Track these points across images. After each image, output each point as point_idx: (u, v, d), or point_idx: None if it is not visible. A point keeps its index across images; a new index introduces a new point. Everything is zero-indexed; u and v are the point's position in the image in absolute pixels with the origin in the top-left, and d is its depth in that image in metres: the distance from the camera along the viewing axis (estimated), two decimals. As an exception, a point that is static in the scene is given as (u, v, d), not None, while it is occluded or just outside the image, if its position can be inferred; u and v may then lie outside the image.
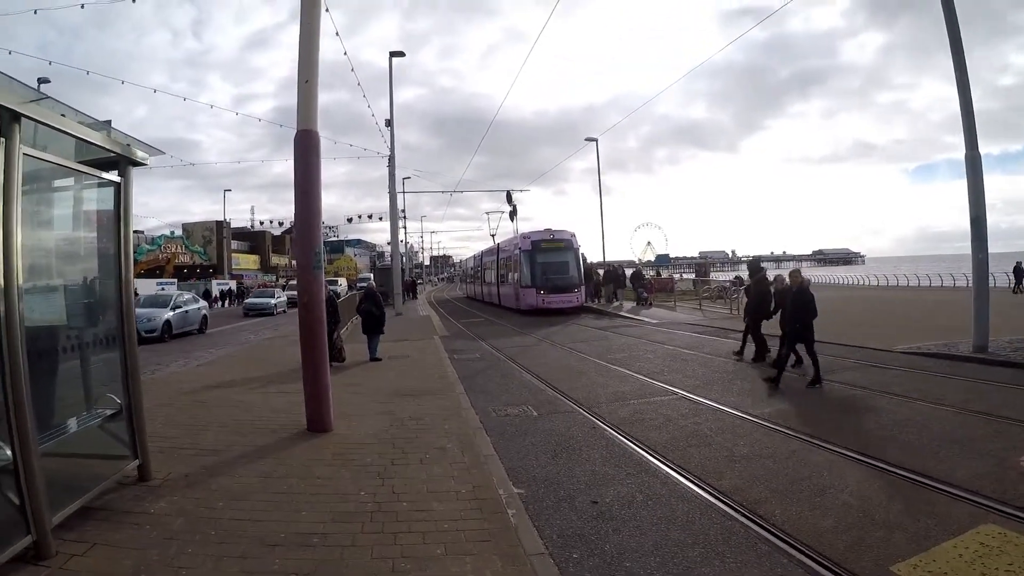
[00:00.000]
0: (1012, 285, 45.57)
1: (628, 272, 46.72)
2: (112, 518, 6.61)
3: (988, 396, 12.03)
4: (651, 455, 9.31)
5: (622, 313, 35.55)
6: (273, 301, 52.45)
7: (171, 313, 30.66)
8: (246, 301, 56.33)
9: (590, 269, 47.01)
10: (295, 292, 43.50)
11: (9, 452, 5.29)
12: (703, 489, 7.82)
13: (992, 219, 17.40)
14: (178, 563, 5.63)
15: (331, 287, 37.72)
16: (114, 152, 7.36)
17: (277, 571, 5.54)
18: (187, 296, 35.15)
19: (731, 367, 16.86)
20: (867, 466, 8.41)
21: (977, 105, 16.79)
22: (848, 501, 7.26)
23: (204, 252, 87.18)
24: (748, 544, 6.30)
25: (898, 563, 5.71)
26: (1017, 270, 45.31)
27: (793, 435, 10.03)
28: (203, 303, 36.75)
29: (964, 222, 16.75)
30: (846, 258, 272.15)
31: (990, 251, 16.85)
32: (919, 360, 16.37)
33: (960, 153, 16.77)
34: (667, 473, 8.53)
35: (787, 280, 15.53)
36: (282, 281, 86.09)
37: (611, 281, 44.26)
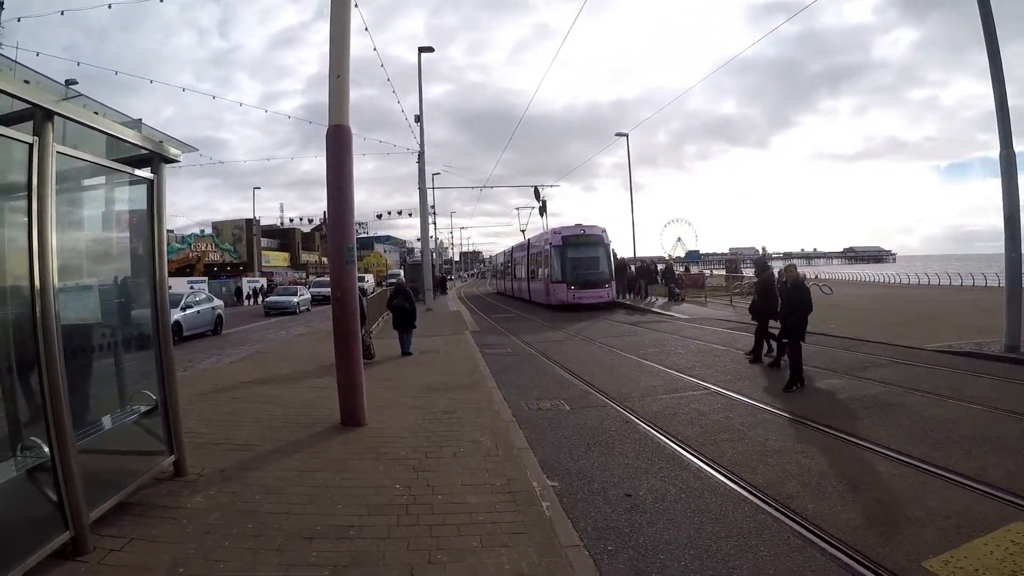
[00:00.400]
0: None
1: (659, 268, 46.64)
2: (149, 513, 6.68)
3: (1018, 396, 11.93)
4: (684, 449, 9.35)
5: (653, 309, 35.52)
6: (296, 299, 50.83)
7: (182, 314, 29.03)
8: (267, 300, 54.42)
9: (623, 264, 46.86)
10: (320, 289, 47.51)
11: (47, 449, 5.36)
12: (736, 483, 7.85)
13: None
14: (215, 556, 5.70)
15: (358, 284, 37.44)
16: (147, 149, 7.41)
17: (315, 563, 5.59)
18: (201, 295, 34.38)
19: (762, 363, 16.80)
20: (898, 463, 8.40)
21: (1012, 101, 16.66)
22: (880, 497, 7.27)
23: (234, 250, 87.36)
24: (781, 538, 6.33)
25: (930, 559, 5.73)
26: None
27: (825, 431, 10.02)
28: (218, 302, 35.47)
29: (996, 221, 16.55)
30: (877, 256, 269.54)
31: (1024, 251, 16.62)
32: (950, 359, 16.22)
33: (993, 151, 16.56)
34: (700, 467, 8.57)
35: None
36: (312, 278, 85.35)
37: (643, 277, 44.06)
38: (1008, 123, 16.41)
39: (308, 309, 51.44)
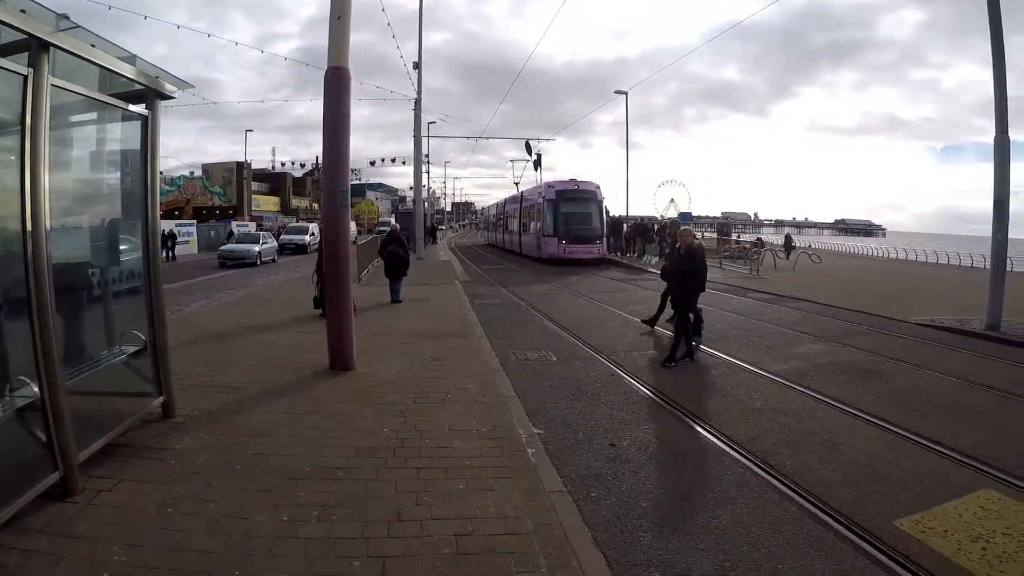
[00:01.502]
0: None
1: (655, 227, 46.60)
2: (138, 454, 6.71)
3: (995, 372, 12.16)
4: (667, 404, 9.52)
5: (644, 267, 35.58)
6: (256, 248, 41.65)
7: (261, 246, 32.00)
8: (221, 248, 43.53)
9: (619, 222, 46.81)
10: (292, 237, 46.19)
11: (36, 389, 5.35)
12: (717, 438, 8.03)
13: (1017, 206, 17.38)
14: (204, 496, 5.77)
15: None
16: (142, 84, 7.25)
17: (303, 503, 5.68)
18: (268, 236, 35.89)
19: (747, 324, 17.04)
20: (875, 426, 8.59)
21: (1012, 90, 16.86)
22: (856, 458, 7.45)
23: (224, 193, 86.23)
24: (759, 491, 6.51)
25: (901, 518, 5.92)
26: None
27: (806, 392, 10.20)
28: (274, 241, 38.02)
29: (987, 205, 16.79)
30: (867, 230, 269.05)
31: (1016, 237, 16.85)
32: (932, 332, 16.49)
33: (988, 137, 16.75)
34: (683, 421, 8.76)
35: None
36: (293, 222, 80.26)
37: (640, 235, 43.81)
38: (1005, 109, 16.60)
39: (273, 260, 44.17)
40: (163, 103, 7.72)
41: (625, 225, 47.66)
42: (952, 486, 6.65)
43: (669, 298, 13.82)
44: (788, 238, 54.41)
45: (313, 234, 51.29)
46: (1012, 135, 16.83)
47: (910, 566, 5.07)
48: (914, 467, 7.18)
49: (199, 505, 5.59)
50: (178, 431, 7.45)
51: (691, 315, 12.77)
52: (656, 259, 38.91)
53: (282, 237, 54.20)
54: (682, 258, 12.46)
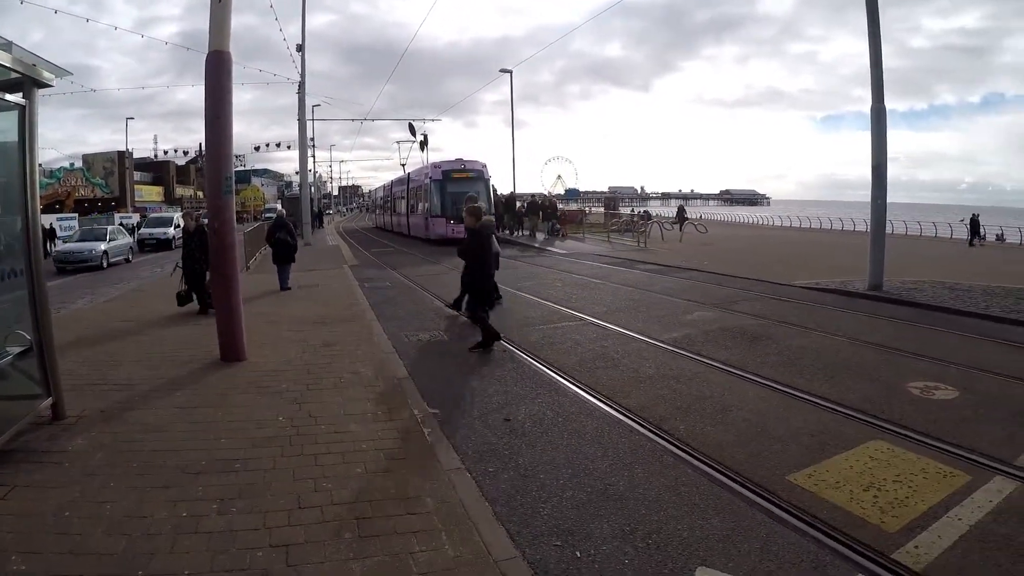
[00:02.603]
0: (968, 238, 44.70)
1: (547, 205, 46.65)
2: (30, 459, 6.49)
3: (879, 329, 12.76)
4: (560, 376, 9.64)
5: (533, 244, 35.97)
6: (102, 246, 33.55)
7: (107, 244, 28.44)
8: (56, 250, 34.72)
9: (512, 200, 46.81)
10: (154, 230, 40.95)
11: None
12: (611, 407, 8.16)
13: (894, 171, 18.27)
14: (101, 498, 5.62)
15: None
16: (19, 72, 6.97)
17: (201, 498, 5.60)
18: (121, 233, 33.24)
19: (637, 295, 17.37)
20: (765, 387, 8.89)
21: (888, 62, 17.66)
22: (747, 418, 7.68)
23: (106, 184, 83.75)
24: (654, 456, 6.67)
25: (794, 473, 6.14)
26: (973, 223, 44.61)
27: (696, 358, 10.47)
28: (129, 238, 34.36)
29: (866, 171, 17.63)
30: (752, 199, 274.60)
31: (894, 201, 17.57)
32: (817, 295, 17.21)
33: (866, 106, 17.64)
34: (576, 392, 8.88)
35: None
36: (170, 210, 71.58)
37: (534, 213, 43.29)
38: (881, 80, 17.41)
39: (127, 259, 36.59)
40: (41, 91, 7.50)
41: (520, 203, 47.52)
42: (842, 439, 6.94)
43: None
44: (681, 210, 55.12)
45: (178, 225, 40.79)
46: (887, 104, 17.59)
47: (805, 517, 5.25)
48: (804, 424, 7.46)
49: (97, 507, 5.44)
50: (70, 432, 7.23)
51: (482, 296, 11.77)
52: (545, 236, 39.20)
53: (142, 230, 48.00)
54: (471, 238, 11.85)
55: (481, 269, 11.70)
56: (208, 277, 13.66)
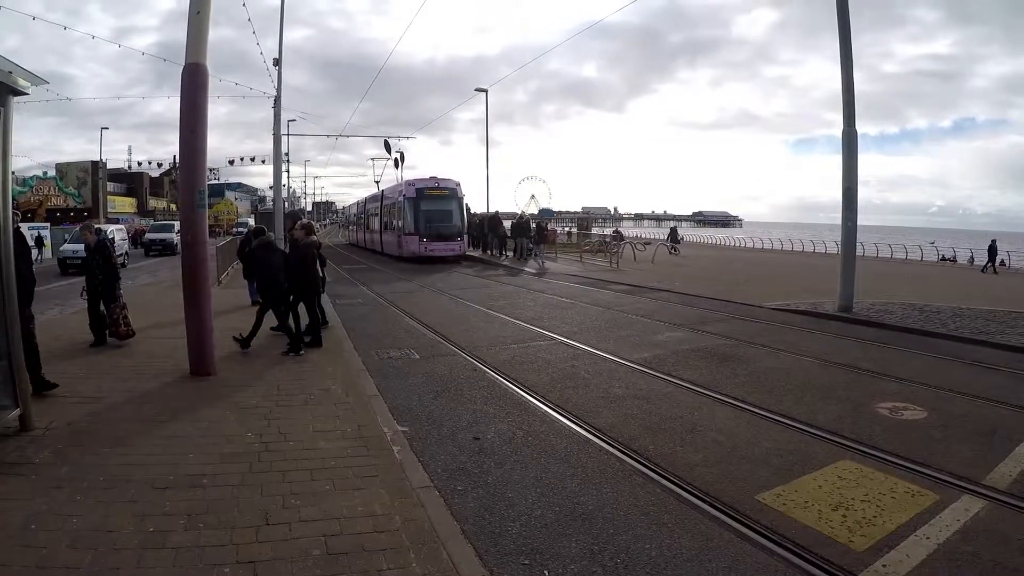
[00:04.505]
0: (985, 264, 43.56)
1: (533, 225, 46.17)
2: (-4, 471, 6.46)
3: (848, 350, 12.87)
4: (530, 395, 9.65)
5: (503, 263, 36.00)
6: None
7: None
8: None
9: (497, 219, 46.49)
10: (76, 246, 32.29)
11: None
12: (580, 427, 8.17)
13: (866, 194, 18.61)
14: (67, 511, 5.55)
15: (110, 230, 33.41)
16: None
17: (168, 512, 5.55)
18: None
19: (608, 316, 17.42)
20: (734, 408, 8.94)
21: (860, 86, 17.93)
22: (716, 439, 7.72)
23: (79, 194, 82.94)
24: (623, 476, 6.68)
25: (763, 492, 6.18)
26: (992, 249, 43.44)
27: (665, 379, 10.51)
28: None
29: (837, 194, 17.89)
30: (725, 221, 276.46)
31: (865, 224, 17.75)
32: (787, 316, 17.35)
33: (838, 130, 17.87)
34: (546, 412, 8.89)
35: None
36: (142, 222, 72.56)
37: (521, 234, 40.24)
38: (853, 104, 17.62)
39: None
40: (16, 99, 7.47)
41: (508, 224, 46.05)
42: (811, 460, 6.99)
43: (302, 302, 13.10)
44: (673, 231, 54.89)
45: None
46: (859, 128, 17.82)
47: (774, 536, 5.28)
48: (773, 444, 7.50)
49: (62, 520, 5.38)
50: (37, 444, 7.16)
51: (273, 300, 12.65)
52: (514, 255, 39.03)
53: (66, 245, 37.01)
54: (253, 250, 12.92)
55: (267, 284, 12.63)
56: (114, 302, 12.92)
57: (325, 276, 15.00)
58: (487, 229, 42.47)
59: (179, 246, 32.84)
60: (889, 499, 6.00)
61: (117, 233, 40.30)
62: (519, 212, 53.37)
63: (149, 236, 50.84)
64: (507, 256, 40.78)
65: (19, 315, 7.50)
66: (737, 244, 76.46)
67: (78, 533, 5.17)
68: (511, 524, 5.63)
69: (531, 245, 38.08)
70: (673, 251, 46.16)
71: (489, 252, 42.10)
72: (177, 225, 42.88)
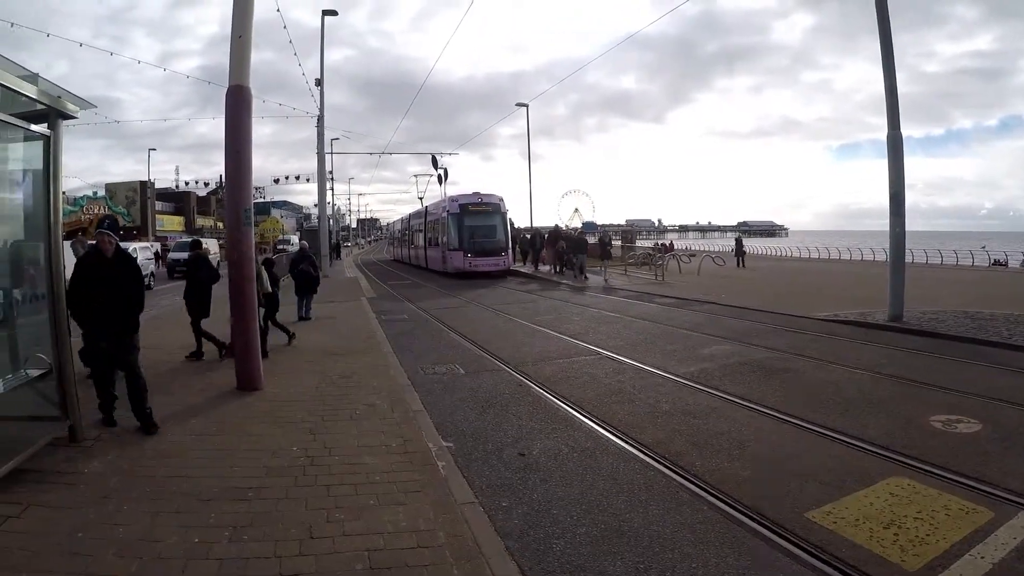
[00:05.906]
0: None
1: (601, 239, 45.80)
2: (46, 479, 6.51)
3: (900, 361, 12.58)
4: (576, 411, 9.56)
5: (548, 277, 35.95)
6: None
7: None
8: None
9: (556, 235, 46.03)
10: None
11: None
12: (626, 442, 8.09)
13: (912, 198, 18.26)
14: (114, 521, 5.61)
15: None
16: (44, 104, 7.10)
17: (213, 524, 5.58)
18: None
19: (654, 329, 17.28)
20: (783, 422, 8.78)
21: (902, 88, 17.52)
22: (765, 454, 7.59)
23: (128, 213, 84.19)
24: (670, 493, 6.58)
25: (812, 510, 6.03)
26: None
27: (713, 393, 10.36)
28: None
29: (883, 199, 17.47)
30: (770, 230, 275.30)
31: (912, 229, 17.43)
32: (836, 327, 17.01)
33: (882, 133, 17.45)
34: (591, 427, 8.80)
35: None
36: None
37: (578, 250, 36.64)
38: (896, 107, 17.25)
39: (148, 286, 29.01)
40: (65, 123, 7.55)
41: (563, 240, 43.71)
42: (862, 476, 6.82)
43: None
44: (739, 242, 53.60)
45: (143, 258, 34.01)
46: (904, 131, 17.52)
47: (823, 556, 5.16)
48: (823, 459, 7.34)
49: (109, 529, 5.44)
50: (86, 455, 7.26)
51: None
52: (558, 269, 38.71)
53: (170, 254, 44.46)
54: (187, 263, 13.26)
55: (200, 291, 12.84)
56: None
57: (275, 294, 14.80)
58: (545, 244, 42.10)
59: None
60: (943, 516, 5.84)
61: (141, 252, 36.04)
62: (564, 225, 52.94)
63: (172, 256, 45.50)
64: (566, 273, 37.88)
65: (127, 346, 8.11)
66: (784, 254, 75.72)
67: (124, 542, 5.22)
68: (556, 541, 5.57)
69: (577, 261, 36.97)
70: (740, 264, 45.74)
71: (555, 270, 39.79)
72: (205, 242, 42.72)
